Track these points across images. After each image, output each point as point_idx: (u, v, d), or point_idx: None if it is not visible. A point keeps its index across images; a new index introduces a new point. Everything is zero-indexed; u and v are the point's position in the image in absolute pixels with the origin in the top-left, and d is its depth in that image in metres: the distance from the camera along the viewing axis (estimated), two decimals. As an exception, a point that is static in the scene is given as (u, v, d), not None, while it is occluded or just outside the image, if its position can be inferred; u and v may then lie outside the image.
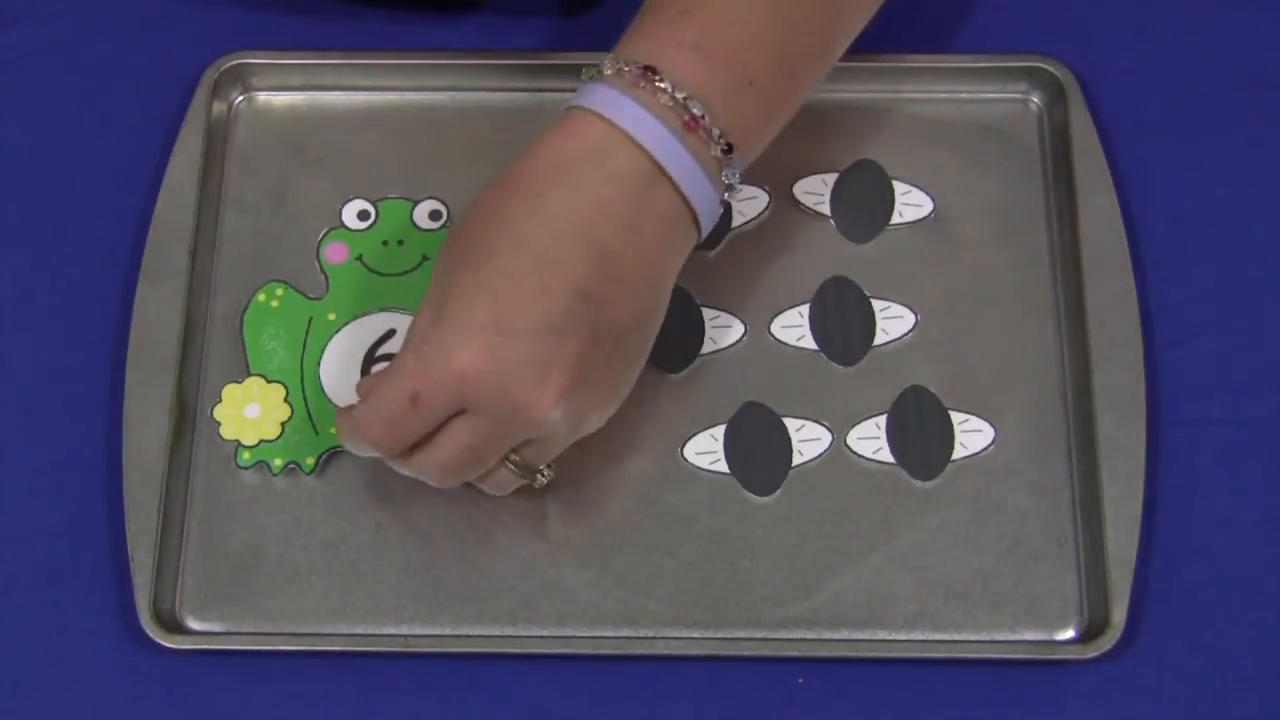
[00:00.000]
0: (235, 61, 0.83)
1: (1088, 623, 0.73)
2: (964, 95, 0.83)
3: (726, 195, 0.71)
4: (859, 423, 0.77)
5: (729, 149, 0.69)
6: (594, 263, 0.67)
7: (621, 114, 0.68)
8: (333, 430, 0.76)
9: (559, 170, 0.68)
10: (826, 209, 0.81)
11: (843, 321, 0.79)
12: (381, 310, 0.79)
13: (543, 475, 0.72)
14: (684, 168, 0.68)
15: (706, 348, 0.78)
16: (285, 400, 0.77)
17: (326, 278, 0.80)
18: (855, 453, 0.76)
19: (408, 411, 0.68)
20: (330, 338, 0.78)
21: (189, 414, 0.77)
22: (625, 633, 0.73)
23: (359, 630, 0.74)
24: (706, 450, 0.76)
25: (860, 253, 0.80)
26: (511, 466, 0.71)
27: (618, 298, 0.68)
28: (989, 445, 0.76)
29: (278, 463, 0.76)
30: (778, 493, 0.76)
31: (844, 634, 0.73)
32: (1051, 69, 0.82)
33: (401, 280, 0.79)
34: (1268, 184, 0.81)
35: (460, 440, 0.69)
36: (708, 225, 0.71)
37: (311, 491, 0.76)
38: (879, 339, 0.78)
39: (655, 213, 0.69)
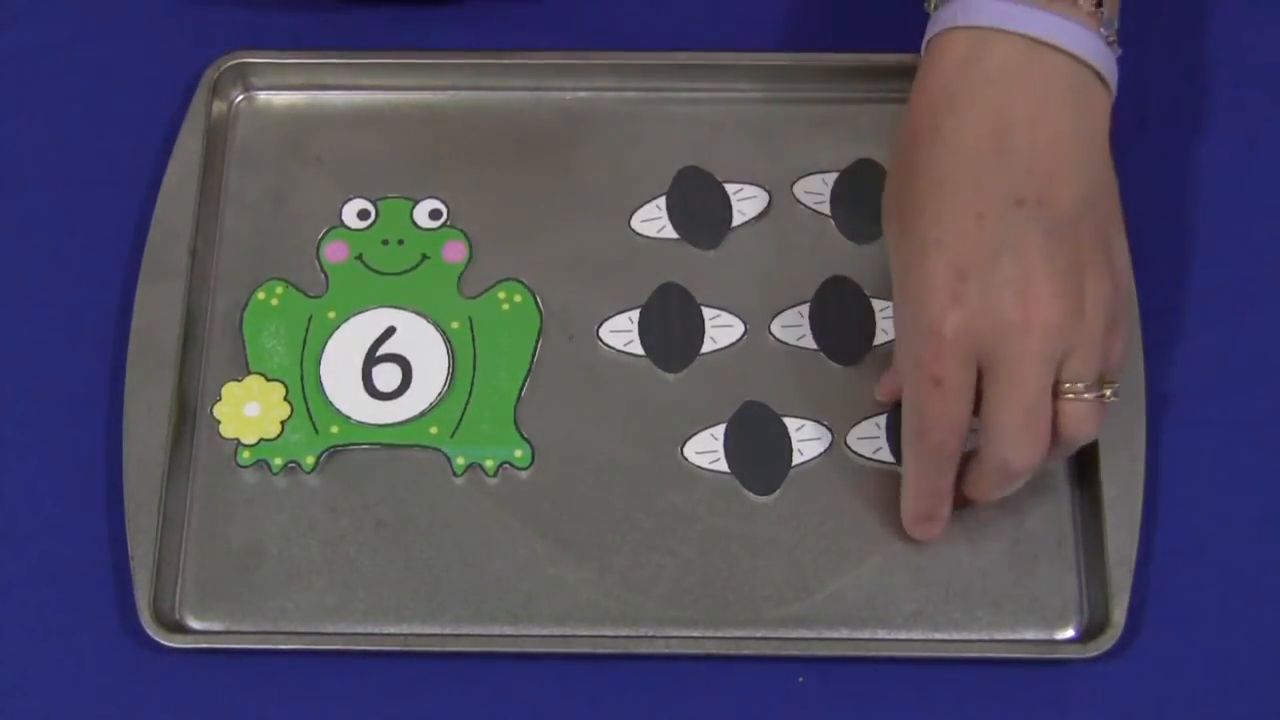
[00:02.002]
0: (235, 61, 0.83)
1: (1088, 622, 0.73)
2: (964, 95, 0.83)
3: (1112, 47, 0.69)
4: (859, 422, 0.77)
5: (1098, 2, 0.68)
6: (1012, 166, 0.67)
7: (980, 14, 0.67)
8: (333, 429, 0.77)
9: (943, 96, 0.68)
10: (826, 209, 0.81)
11: (843, 321, 0.79)
12: (381, 309, 0.79)
13: (1109, 391, 0.69)
14: (1062, 31, 0.67)
15: (706, 347, 0.78)
16: (285, 399, 0.77)
17: (326, 277, 0.80)
18: (855, 452, 0.76)
19: (935, 396, 0.67)
20: (330, 336, 0.78)
21: (189, 413, 0.77)
22: (625, 632, 0.73)
23: (359, 630, 0.74)
24: (706, 450, 0.76)
25: (860, 253, 0.80)
26: (1073, 395, 0.68)
27: (1054, 187, 0.67)
28: (989, 445, 0.76)
29: (278, 461, 0.76)
30: (778, 492, 0.76)
31: (844, 633, 0.73)
32: (1051, 69, 0.82)
33: (401, 279, 0.79)
34: (1267, 184, 0.81)
35: (1004, 398, 0.67)
36: (1111, 75, 0.70)
37: (311, 490, 0.76)
38: (879, 339, 0.78)
39: (1054, 88, 0.68)
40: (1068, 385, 0.68)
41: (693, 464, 0.76)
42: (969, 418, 0.69)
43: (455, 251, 0.80)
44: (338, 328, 0.79)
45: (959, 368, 0.67)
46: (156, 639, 0.73)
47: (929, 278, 0.67)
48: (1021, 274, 0.66)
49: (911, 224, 0.68)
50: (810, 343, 0.78)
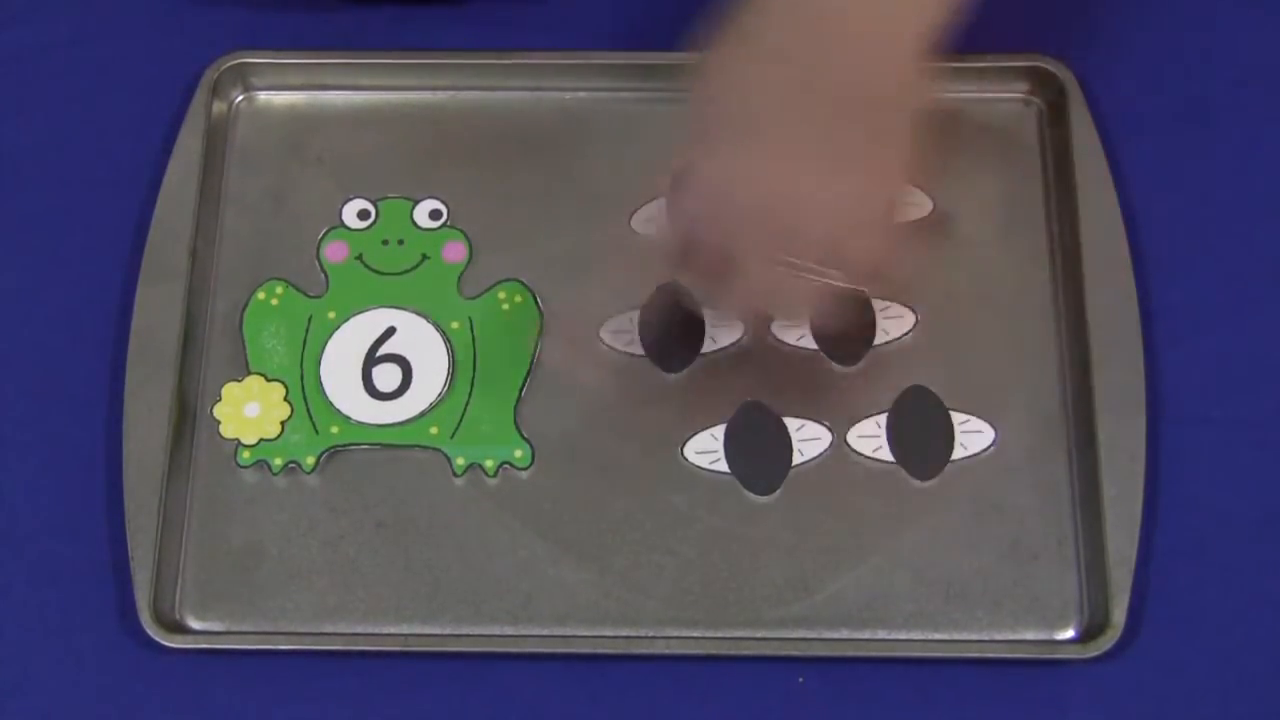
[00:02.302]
0: (235, 61, 0.83)
1: (1088, 622, 0.73)
2: (964, 95, 0.83)
3: None
4: (859, 422, 0.77)
5: None
6: (809, 46, 0.67)
7: None
8: (333, 429, 0.77)
9: None
10: (826, 209, 0.81)
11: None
12: (381, 309, 0.79)
13: (833, 280, 0.71)
14: None
15: (706, 347, 0.78)
16: (285, 399, 0.77)
17: (326, 277, 0.80)
18: (855, 452, 0.76)
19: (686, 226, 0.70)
20: (330, 336, 0.78)
21: (189, 413, 0.77)
22: (625, 632, 0.73)
23: (359, 630, 0.74)
24: (706, 450, 0.76)
25: (860, 252, 0.80)
26: (796, 271, 0.70)
27: (844, 72, 0.67)
28: (989, 445, 0.76)
29: (278, 461, 0.76)
30: (778, 492, 0.76)
31: (844, 633, 0.73)
32: (1051, 69, 0.82)
33: (401, 279, 0.79)
34: (1267, 184, 0.81)
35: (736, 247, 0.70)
36: None
37: (311, 490, 0.76)
38: (879, 339, 0.78)
39: None
40: (795, 260, 0.69)
41: (693, 464, 0.76)
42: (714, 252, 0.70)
43: (455, 251, 0.80)
44: (338, 328, 0.79)
45: (701, 204, 0.69)
46: (156, 639, 0.73)
47: (700, 118, 0.69)
48: (779, 140, 0.67)
49: (703, 69, 0.69)
50: (810, 342, 0.78)
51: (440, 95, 0.83)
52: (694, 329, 0.79)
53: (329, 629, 0.74)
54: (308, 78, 0.83)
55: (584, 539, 0.75)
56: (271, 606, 0.74)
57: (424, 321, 0.79)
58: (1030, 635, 0.73)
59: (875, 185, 0.70)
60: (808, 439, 0.77)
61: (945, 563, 0.74)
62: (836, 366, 0.78)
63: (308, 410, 0.77)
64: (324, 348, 0.78)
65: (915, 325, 0.78)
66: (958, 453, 0.76)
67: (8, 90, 0.84)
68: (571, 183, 0.81)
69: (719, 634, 0.73)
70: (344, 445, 0.77)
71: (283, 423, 0.77)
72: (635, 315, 0.79)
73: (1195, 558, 0.75)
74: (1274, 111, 0.83)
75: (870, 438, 0.76)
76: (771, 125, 0.67)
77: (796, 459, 0.76)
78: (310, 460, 0.76)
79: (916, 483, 0.76)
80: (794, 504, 0.76)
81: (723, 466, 0.76)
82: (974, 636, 0.73)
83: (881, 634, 0.73)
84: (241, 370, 0.78)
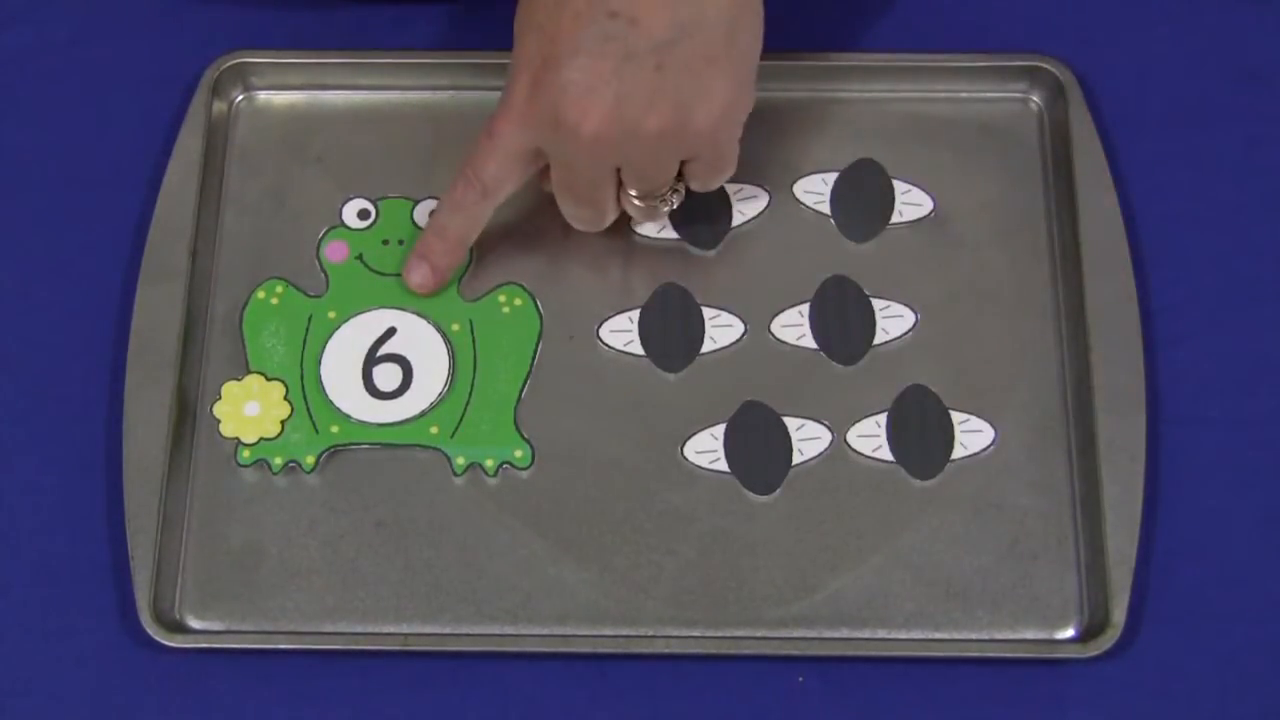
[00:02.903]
0: (235, 61, 0.83)
1: (1088, 622, 0.73)
2: (964, 95, 0.83)
3: None
4: (859, 421, 0.77)
5: None
6: None
7: None
8: (333, 429, 0.77)
9: None
10: (826, 208, 0.81)
11: (843, 321, 0.79)
12: (382, 309, 0.79)
13: (665, 202, 0.76)
14: None
15: (706, 347, 0.78)
16: (285, 398, 0.77)
17: (326, 277, 0.80)
18: (855, 452, 0.76)
19: (487, 146, 0.74)
20: (330, 336, 0.78)
21: (189, 413, 0.77)
22: (625, 632, 0.73)
23: (359, 629, 0.74)
24: (706, 450, 0.76)
25: (860, 252, 0.80)
26: (634, 199, 0.76)
27: (651, 12, 0.69)
28: (989, 445, 0.76)
29: (277, 461, 0.76)
30: (778, 492, 0.76)
31: (844, 633, 0.73)
32: (1051, 69, 0.82)
33: (401, 279, 0.79)
34: (1267, 183, 0.81)
35: (558, 183, 0.75)
36: None
37: (311, 490, 0.76)
38: (879, 338, 0.78)
39: None
40: (625, 187, 0.75)
41: (693, 464, 0.76)
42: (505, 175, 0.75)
43: (455, 251, 0.80)
44: (338, 327, 0.79)
45: (512, 139, 0.73)
46: (156, 639, 0.73)
47: (525, 56, 0.72)
48: (591, 79, 0.70)
49: (530, 7, 0.72)
50: (810, 342, 0.78)
51: (440, 95, 0.83)
52: (694, 328, 0.79)
53: (329, 629, 0.74)
54: (308, 77, 0.83)
55: (584, 539, 0.75)
56: (271, 606, 0.74)
57: (424, 322, 0.79)
58: (1030, 635, 0.73)
59: (697, 118, 0.72)
60: (808, 438, 0.77)
61: (945, 563, 0.74)
62: (836, 366, 0.78)
63: (308, 409, 0.77)
64: (324, 347, 0.78)
65: (915, 325, 0.79)
66: (958, 452, 0.76)
67: (8, 90, 0.84)
68: (571, 183, 0.81)
69: (719, 634, 0.73)
70: (344, 445, 0.77)
71: (283, 422, 0.77)
72: (635, 315, 0.79)
73: (1195, 558, 0.75)
74: (1274, 111, 0.83)
75: (870, 437, 0.76)
76: (592, 76, 0.70)
77: (796, 459, 0.76)
78: (310, 460, 0.76)
79: (916, 482, 0.76)
80: (794, 504, 0.76)
81: (722, 466, 0.76)
82: (974, 636, 0.73)
83: (881, 634, 0.73)
84: (241, 370, 0.78)
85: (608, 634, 0.73)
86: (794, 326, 0.78)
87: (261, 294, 0.79)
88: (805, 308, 0.79)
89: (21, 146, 0.83)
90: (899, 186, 0.81)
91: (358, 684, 0.73)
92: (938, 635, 0.73)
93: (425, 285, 0.78)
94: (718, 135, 0.73)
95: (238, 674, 0.73)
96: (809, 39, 0.83)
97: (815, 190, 0.81)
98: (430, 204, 0.81)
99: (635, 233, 0.80)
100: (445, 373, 0.78)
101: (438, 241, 0.78)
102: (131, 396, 0.77)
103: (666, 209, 0.77)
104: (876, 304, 0.79)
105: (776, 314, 0.79)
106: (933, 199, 0.81)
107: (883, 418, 0.77)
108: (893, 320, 0.78)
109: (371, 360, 0.78)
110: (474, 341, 0.78)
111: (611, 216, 0.77)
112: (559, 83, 0.70)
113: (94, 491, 0.76)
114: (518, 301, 0.79)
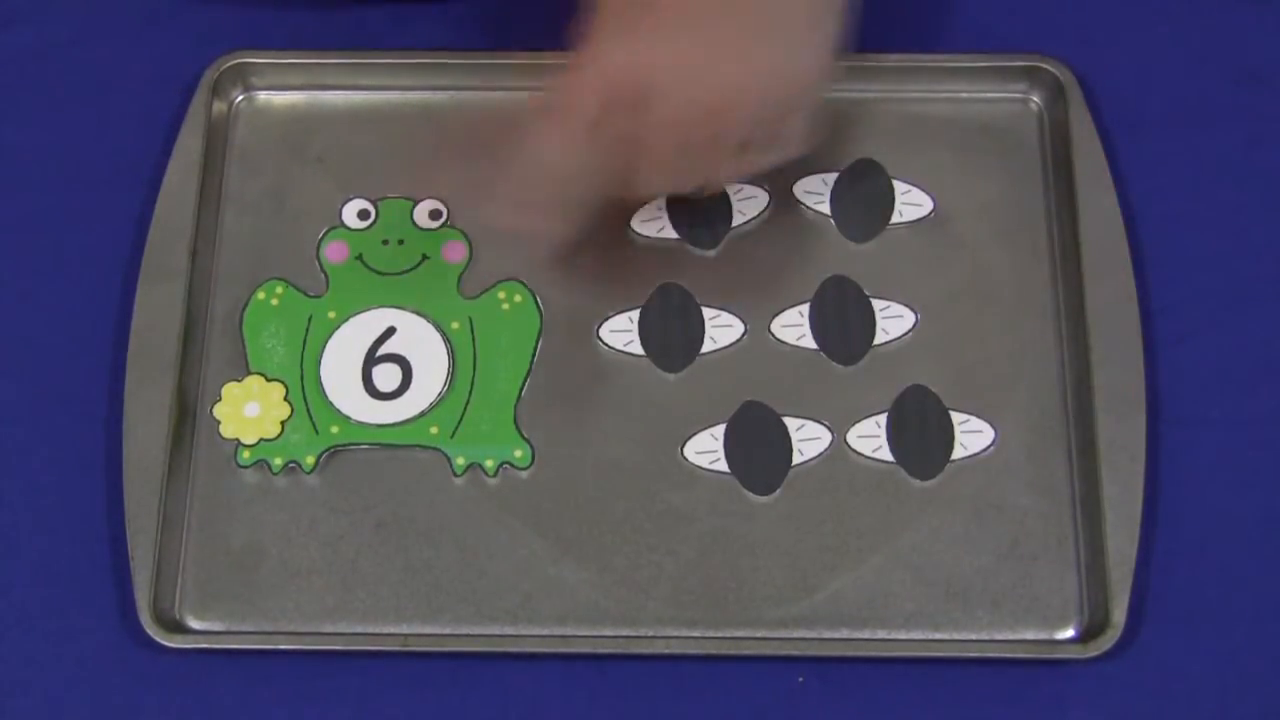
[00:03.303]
0: (235, 61, 0.83)
1: (1088, 622, 0.73)
2: (964, 95, 0.83)
3: None
4: (859, 422, 0.77)
5: None
6: None
7: None
8: (333, 429, 0.77)
9: None
10: (826, 209, 0.81)
11: (843, 321, 0.79)
12: (381, 309, 0.79)
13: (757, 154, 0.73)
14: None
15: (706, 347, 0.78)
16: (285, 399, 0.77)
17: (326, 277, 0.80)
18: (855, 452, 0.76)
19: (566, 108, 0.71)
20: (330, 336, 0.78)
21: (189, 413, 0.77)
22: (625, 632, 0.73)
23: (359, 630, 0.74)
24: (706, 450, 0.76)
25: (860, 252, 0.80)
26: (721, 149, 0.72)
27: None
28: (989, 445, 0.76)
29: (278, 461, 0.76)
30: (778, 492, 0.76)
31: (844, 633, 0.73)
32: (1051, 69, 0.82)
33: (401, 279, 0.79)
34: (1267, 183, 0.81)
35: (649, 131, 0.70)
36: None
37: (311, 490, 0.76)
38: (879, 339, 0.78)
39: None
40: (718, 139, 0.71)
41: (693, 464, 0.76)
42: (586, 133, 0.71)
43: (455, 251, 0.80)
44: (338, 328, 0.79)
45: (586, 97, 0.70)
46: (156, 639, 0.73)
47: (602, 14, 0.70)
48: (692, 29, 0.68)
49: None
50: (810, 342, 0.78)
51: (440, 95, 0.83)
52: (694, 328, 0.79)
53: (328, 629, 0.74)
54: (308, 78, 0.83)
55: (584, 539, 0.75)
56: (271, 606, 0.74)
57: (424, 321, 0.79)
58: (1030, 635, 0.73)
59: (800, 63, 0.71)
60: (808, 439, 0.77)
61: (945, 563, 0.74)
62: (836, 366, 0.78)
63: (308, 410, 0.77)
64: (324, 348, 0.78)
65: (915, 325, 0.79)
66: (958, 453, 0.76)
67: (8, 90, 0.84)
68: (571, 182, 0.81)
69: (719, 634, 0.73)
70: (344, 445, 0.77)
71: (283, 422, 0.77)
72: (635, 315, 0.79)
73: (1195, 558, 0.75)
74: (1274, 111, 0.83)
75: (870, 437, 0.76)
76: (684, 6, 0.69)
77: (796, 459, 0.76)
78: (310, 460, 0.76)
79: (916, 482, 0.76)
80: (794, 504, 0.76)
81: (722, 466, 0.76)
82: (974, 636, 0.73)
83: (881, 634, 0.73)
84: (241, 370, 0.78)
85: (608, 634, 0.73)
86: (794, 326, 0.78)
87: (261, 295, 0.79)
88: (805, 308, 0.79)
89: (21, 146, 0.83)
90: (899, 186, 0.81)
91: (358, 684, 0.73)
92: (938, 635, 0.73)
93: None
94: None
95: (238, 674, 0.74)
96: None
97: (815, 190, 0.81)
98: (430, 204, 0.81)
99: (635, 233, 0.80)
100: (445, 372, 0.78)
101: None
102: (131, 396, 0.77)
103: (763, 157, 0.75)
104: (876, 304, 0.79)
105: (776, 314, 0.79)
106: (933, 199, 0.81)
107: (883, 418, 0.77)
108: (893, 320, 0.78)
109: (371, 360, 0.78)
110: (474, 340, 0.78)
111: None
112: (658, 32, 0.69)
113: (94, 491, 0.76)
114: (517, 298, 0.79)
